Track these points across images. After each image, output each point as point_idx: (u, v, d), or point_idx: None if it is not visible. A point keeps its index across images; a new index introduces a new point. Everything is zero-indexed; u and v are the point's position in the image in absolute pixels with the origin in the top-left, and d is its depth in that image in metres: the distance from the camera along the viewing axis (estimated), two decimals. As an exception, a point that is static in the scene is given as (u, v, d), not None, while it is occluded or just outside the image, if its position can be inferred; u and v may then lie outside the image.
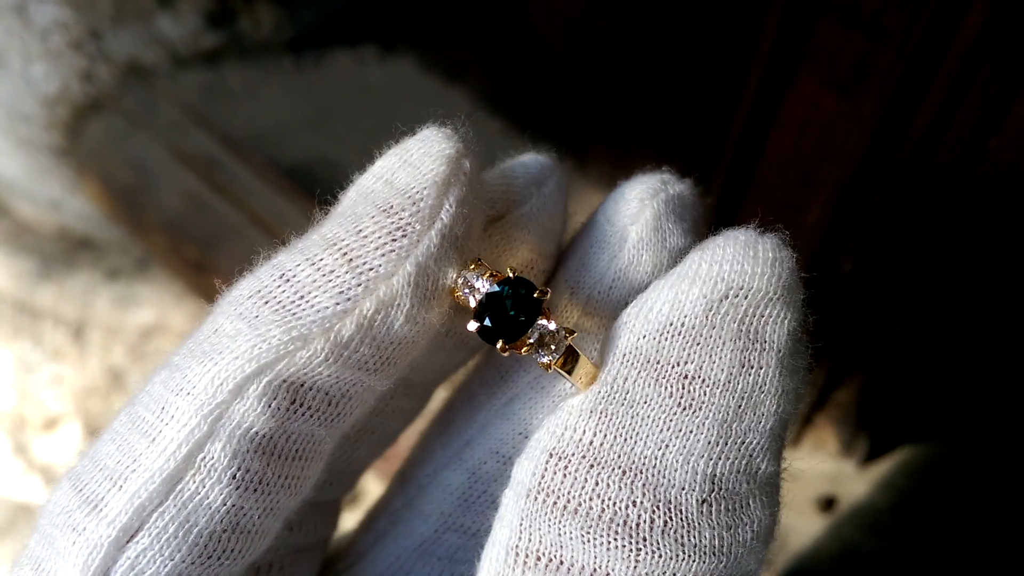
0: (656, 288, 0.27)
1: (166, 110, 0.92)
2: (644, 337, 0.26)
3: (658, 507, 0.25)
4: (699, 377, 0.25)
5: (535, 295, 0.27)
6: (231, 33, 0.95)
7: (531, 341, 0.27)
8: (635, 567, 0.24)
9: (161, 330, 1.00)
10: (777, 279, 0.26)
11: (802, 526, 0.70)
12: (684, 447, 0.25)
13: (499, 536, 0.26)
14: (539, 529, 0.25)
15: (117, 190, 0.92)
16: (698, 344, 0.25)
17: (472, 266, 0.27)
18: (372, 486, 0.79)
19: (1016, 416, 0.67)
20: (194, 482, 0.25)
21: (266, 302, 0.26)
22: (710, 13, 0.60)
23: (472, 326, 0.27)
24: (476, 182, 0.28)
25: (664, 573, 0.24)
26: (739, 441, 0.25)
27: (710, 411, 0.25)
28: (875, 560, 0.68)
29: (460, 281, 0.27)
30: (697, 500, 0.25)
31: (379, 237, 0.26)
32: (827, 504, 0.71)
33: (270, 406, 0.25)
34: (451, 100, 0.89)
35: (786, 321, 0.26)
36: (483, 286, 0.27)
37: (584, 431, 0.26)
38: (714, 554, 0.25)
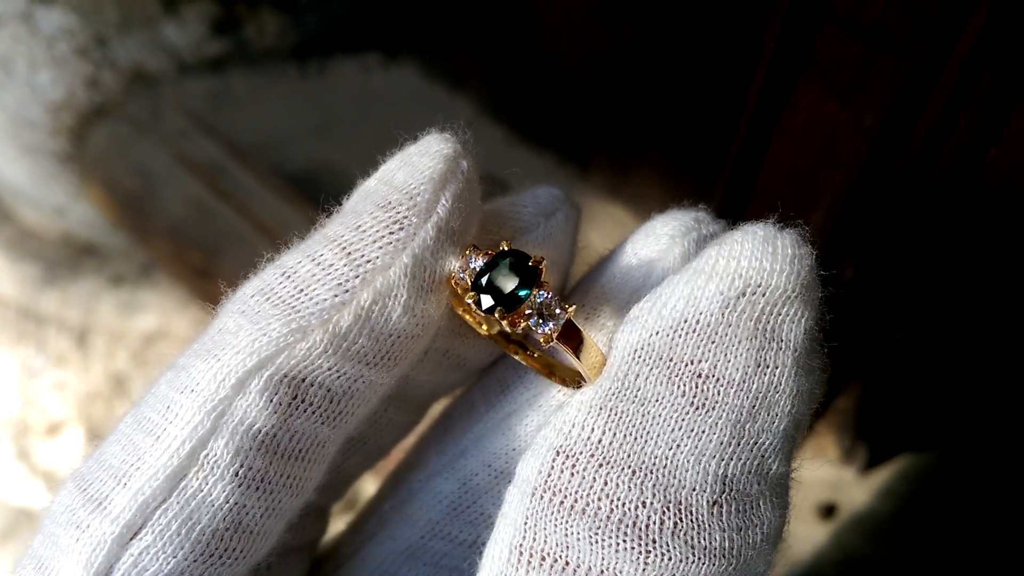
0: (671, 283, 0.26)
1: (171, 117, 0.93)
2: (657, 333, 0.25)
3: (668, 508, 0.24)
4: (713, 376, 0.25)
5: (530, 263, 0.27)
6: (236, 41, 0.95)
7: (528, 311, 0.27)
8: (644, 569, 0.24)
9: (164, 336, 1.00)
10: (796, 276, 0.25)
11: (803, 533, 0.70)
12: (696, 447, 0.24)
13: (502, 534, 0.26)
14: (544, 528, 0.25)
15: (122, 196, 0.92)
16: (713, 342, 0.25)
17: (467, 251, 0.28)
18: (370, 488, 0.79)
19: (1017, 423, 0.67)
20: (197, 479, 0.25)
21: (268, 298, 0.26)
22: (712, 21, 0.60)
23: (469, 298, 0.27)
24: (473, 181, 0.28)
25: (674, 575, 0.24)
26: (752, 442, 0.25)
27: (723, 411, 0.25)
28: (876, 568, 0.68)
29: (457, 266, 0.28)
30: (708, 501, 0.24)
31: (377, 231, 0.26)
32: (828, 511, 0.71)
33: (272, 401, 0.25)
34: (455, 107, 0.89)
35: (803, 320, 0.25)
36: (479, 263, 0.27)
37: (593, 429, 0.25)
38: (724, 556, 0.24)
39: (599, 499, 0.24)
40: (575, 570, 0.24)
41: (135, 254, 1.04)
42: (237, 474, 0.25)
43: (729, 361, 0.25)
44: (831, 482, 0.71)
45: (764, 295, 0.25)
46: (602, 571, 0.24)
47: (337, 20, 0.98)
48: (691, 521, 0.24)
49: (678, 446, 0.24)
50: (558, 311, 0.27)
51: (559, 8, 0.73)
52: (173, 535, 0.25)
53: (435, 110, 0.89)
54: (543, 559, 0.25)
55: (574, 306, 0.27)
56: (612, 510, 0.24)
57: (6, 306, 1.03)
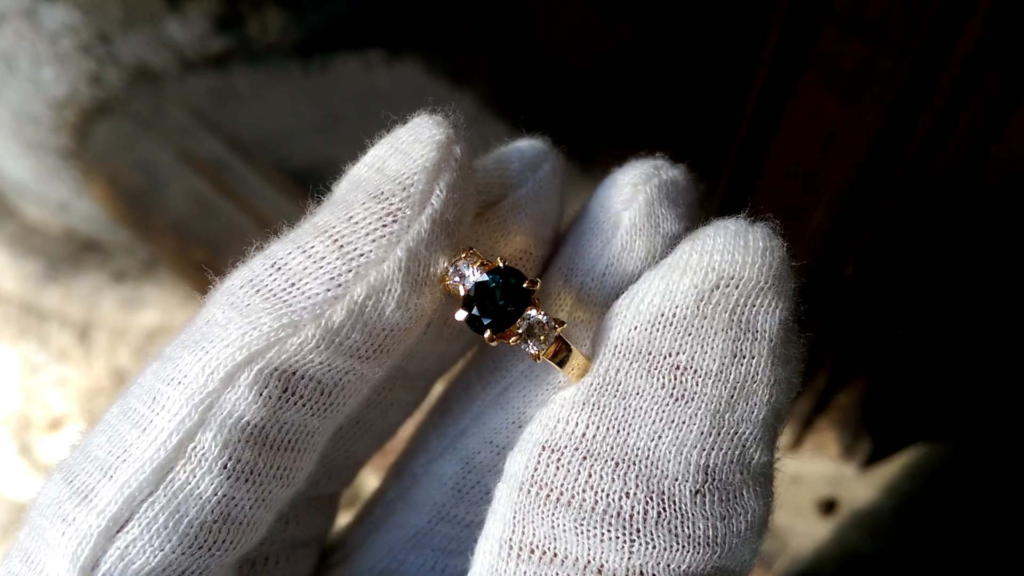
0: (647, 279, 0.27)
1: (174, 113, 0.93)
2: (635, 328, 0.26)
3: (651, 498, 0.24)
4: (691, 368, 0.25)
5: (524, 285, 0.27)
6: (239, 37, 0.95)
7: (520, 331, 0.27)
8: (629, 558, 0.24)
9: (167, 332, 1.00)
10: (768, 268, 0.26)
11: (803, 529, 0.70)
12: (677, 438, 0.25)
13: (492, 529, 0.26)
14: (532, 522, 0.25)
15: (125, 193, 0.92)
16: (690, 335, 0.25)
17: (463, 255, 0.27)
18: (372, 483, 0.79)
19: (1018, 419, 0.67)
20: (184, 472, 0.25)
21: (257, 291, 0.26)
22: (714, 19, 0.60)
23: (461, 315, 0.27)
24: (467, 168, 0.28)
25: (658, 564, 0.24)
26: (732, 431, 0.25)
27: (702, 402, 0.25)
28: (876, 563, 0.68)
29: (451, 270, 0.27)
30: (691, 491, 0.25)
31: (369, 223, 0.26)
32: (828, 507, 0.71)
33: (261, 395, 0.25)
34: (457, 104, 0.89)
35: (777, 310, 0.26)
36: (473, 275, 0.27)
37: (576, 423, 0.26)
38: (708, 545, 0.25)
39: (584, 491, 0.25)
40: (563, 561, 0.24)
41: (138, 250, 1.04)
42: (225, 467, 0.25)
43: (706, 353, 0.25)
44: (832, 478, 0.72)
45: (738, 287, 0.25)
46: (588, 562, 0.24)
47: (340, 17, 0.99)
48: (674, 511, 0.24)
49: (660, 437, 0.25)
50: (548, 330, 0.27)
51: (562, 6, 0.73)
52: (160, 528, 0.25)
53: (437, 107, 0.89)
54: (532, 551, 0.25)
55: (564, 324, 0.27)
56: (597, 502, 0.25)
57: (8, 302, 1.03)
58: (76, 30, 0.87)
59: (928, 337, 0.62)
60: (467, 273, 0.27)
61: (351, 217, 0.26)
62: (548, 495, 0.25)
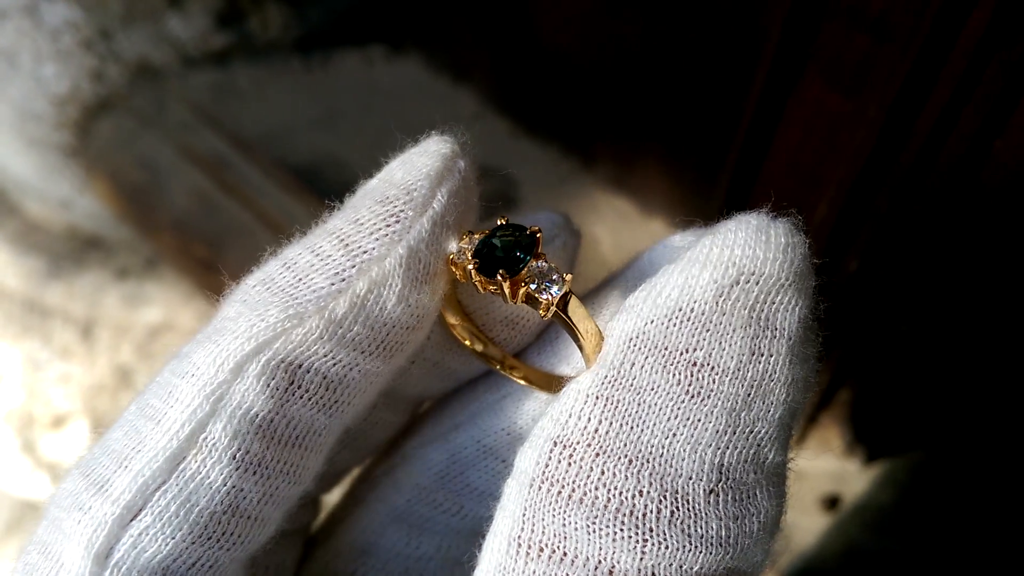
0: (665, 272, 0.26)
1: (175, 110, 0.93)
2: (652, 322, 0.26)
3: (665, 497, 0.24)
4: (708, 364, 0.25)
5: (528, 232, 0.28)
6: (240, 33, 0.95)
7: (529, 279, 0.27)
8: (641, 559, 0.24)
9: (169, 329, 1.00)
10: (789, 265, 0.25)
11: (806, 525, 0.70)
12: (692, 436, 0.24)
13: (501, 526, 0.26)
14: (542, 519, 0.25)
15: (127, 189, 0.92)
16: (708, 330, 0.25)
17: (465, 238, 0.29)
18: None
19: (1020, 415, 0.67)
20: (196, 461, 0.26)
21: (268, 288, 0.27)
22: (716, 13, 0.60)
23: (472, 265, 0.28)
24: (470, 180, 0.29)
25: (671, 565, 0.24)
26: (747, 430, 0.25)
27: (719, 399, 0.25)
28: (879, 559, 0.68)
29: (455, 248, 0.28)
30: (705, 490, 0.24)
31: (374, 224, 0.27)
32: (831, 503, 0.71)
33: (269, 386, 0.26)
34: (458, 100, 0.89)
35: (797, 308, 0.25)
36: (477, 239, 0.28)
37: (590, 418, 0.25)
38: (721, 545, 0.24)
39: (596, 488, 0.24)
40: (573, 560, 0.24)
41: (140, 247, 1.04)
42: (235, 457, 0.26)
43: (724, 349, 0.25)
44: (835, 474, 0.72)
45: (758, 283, 0.25)
46: (600, 561, 0.24)
47: (341, 13, 0.99)
48: (688, 510, 0.24)
49: (674, 435, 0.24)
50: (556, 277, 0.27)
51: (563, 1, 0.73)
52: (172, 516, 0.26)
53: (439, 103, 0.89)
54: (541, 550, 0.25)
55: (571, 275, 0.27)
56: (609, 499, 0.24)
57: (11, 299, 1.03)
58: (77, 26, 0.88)
59: (931, 333, 0.62)
60: (470, 245, 0.28)
61: (357, 219, 0.28)
62: (559, 492, 0.25)
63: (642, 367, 0.25)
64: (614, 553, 0.24)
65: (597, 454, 0.25)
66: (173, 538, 0.26)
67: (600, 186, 0.79)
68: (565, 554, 0.24)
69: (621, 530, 0.24)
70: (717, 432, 0.24)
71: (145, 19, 0.90)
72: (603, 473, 0.24)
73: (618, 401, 0.25)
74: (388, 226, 0.27)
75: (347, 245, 0.27)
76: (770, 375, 0.25)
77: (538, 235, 0.28)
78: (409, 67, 0.95)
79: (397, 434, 0.37)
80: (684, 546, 0.24)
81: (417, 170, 0.28)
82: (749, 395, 0.25)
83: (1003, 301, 0.58)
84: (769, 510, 0.25)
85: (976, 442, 0.71)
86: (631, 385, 0.25)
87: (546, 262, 0.27)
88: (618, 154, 0.77)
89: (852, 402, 0.68)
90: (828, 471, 0.72)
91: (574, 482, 0.25)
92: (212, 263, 0.85)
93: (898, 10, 0.46)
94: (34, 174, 1.00)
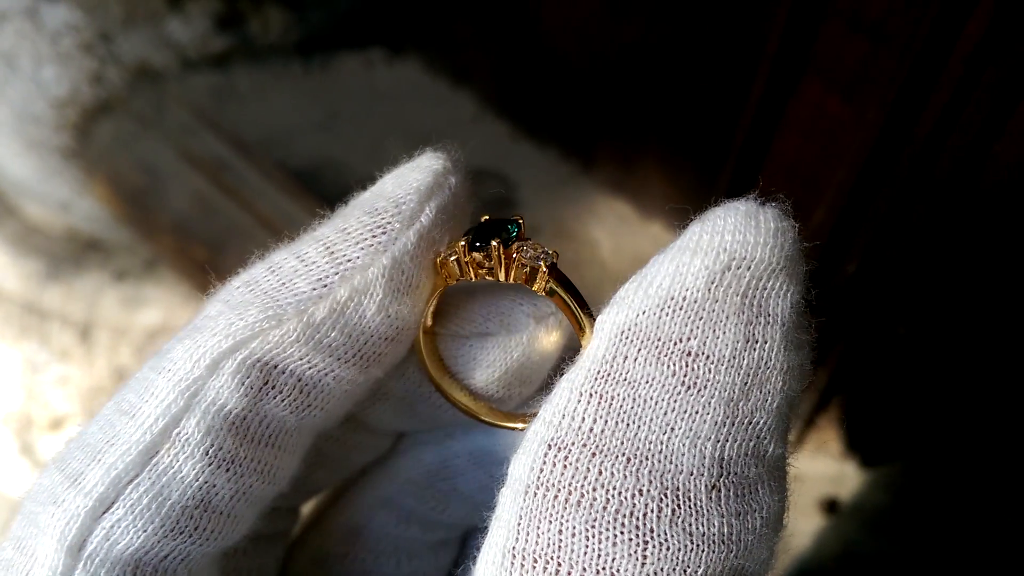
0: (655, 262, 0.26)
1: (175, 112, 0.93)
2: (644, 313, 0.25)
3: (666, 495, 0.23)
4: (703, 354, 0.24)
5: (512, 219, 0.28)
6: (240, 36, 0.95)
7: (519, 253, 0.28)
8: (642, 563, 0.23)
9: (168, 331, 1.00)
10: (780, 249, 0.25)
11: (805, 527, 0.70)
12: (690, 429, 0.24)
13: (495, 537, 0.25)
14: (538, 528, 0.24)
15: (126, 192, 0.92)
16: (701, 319, 0.24)
17: (452, 247, 0.29)
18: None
19: (1018, 417, 0.67)
20: (168, 455, 0.26)
21: (251, 289, 0.28)
22: (716, 17, 0.60)
23: (464, 242, 0.28)
24: (460, 196, 0.30)
25: (674, 568, 0.23)
26: (746, 421, 0.24)
27: (716, 390, 0.24)
28: (877, 561, 0.68)
29: (443, 252, 0.29)
30: (706, 486, 0.23)
31: (360, 234, 0.28)
32: (830, 506, 0.71)
33: (243, 384, 0.26)
34: (458, 103, 0.89)
35: (790, 293, 0.25)
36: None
37: (584, 417, 0.24)
38: (724, 543, 0.24)
39: (594, 490, 0.23)
40: (569, 572, 0.23)
41: (139, 249, 1.04)
42: (207, 453, 0.26)
43: (718, 338, 0.24)
44: (833, 477, 0.72)
45: (749, 268, 0.24)
46: (599, 570, 0.23)
47: (341, 16, 0.99)
48: (689, 507, 0.23)
49: (672, 429, 0.24)
50: (544, 255, 0.28)
51: (563, 4, 0.73)
52: (144, 509, 0.26)
53: (438, 106, 0.89)
54: (535, 562, 0.24)
55: (557, 252, 0.28)
56: (608, 500, 0.23)
57: (10, 301, 1.03)
58: (77, 29, 0.88)
59: (930, 335, 0.62)
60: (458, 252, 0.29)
61: (345, 228, 0.28)
62: (556, 497, 0.24)
63: (635, 360, 0.25)
64: (614, 560, 0.23)
65: (593, 454, 0.24)
66: (145, 531, 0.26)
67: (600, 189, 0.80)
68: (560, 566, 0.23)
69: (621, 533, 0.23)
70: (716, 424, 0.24)
71: (145, 22, 0.90)
72: (600, 473, 0.24)
73: (612, 397, 0.24)
74: (374, 237, 0.28)
75: (332, 253, 0.27)
76: (766, 362, 0.24)
77: (520, 220, 0.28)
78: (409, 70, 0.95)
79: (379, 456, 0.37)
80: (686, 546, 0.23)
81: (408, 184, 0.29)
82: (746, 384, 0.24)
83: (1002, 303, 0.58)
84: (771, 505, 0.25)
85: (974, 444, 0.71)
86: (625, 379, 0.24)
87: (534, 246, 0.28)
88: (618, 157, 0.77)
89: (851, 405, 0.68)
90: (826, 474, 0.72)
91: (570, 485, 0.24)
92: (211, 265, 0.85)
93: (897, 13, 0.46)
94: (33, 176, 1.00)
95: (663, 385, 0.24)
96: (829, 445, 0.72)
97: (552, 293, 0.28)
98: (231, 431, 0.26)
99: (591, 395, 0.25)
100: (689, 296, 0.24)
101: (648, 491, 0.23)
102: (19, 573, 0.26)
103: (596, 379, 0.25)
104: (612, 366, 0.25)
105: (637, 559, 0.23)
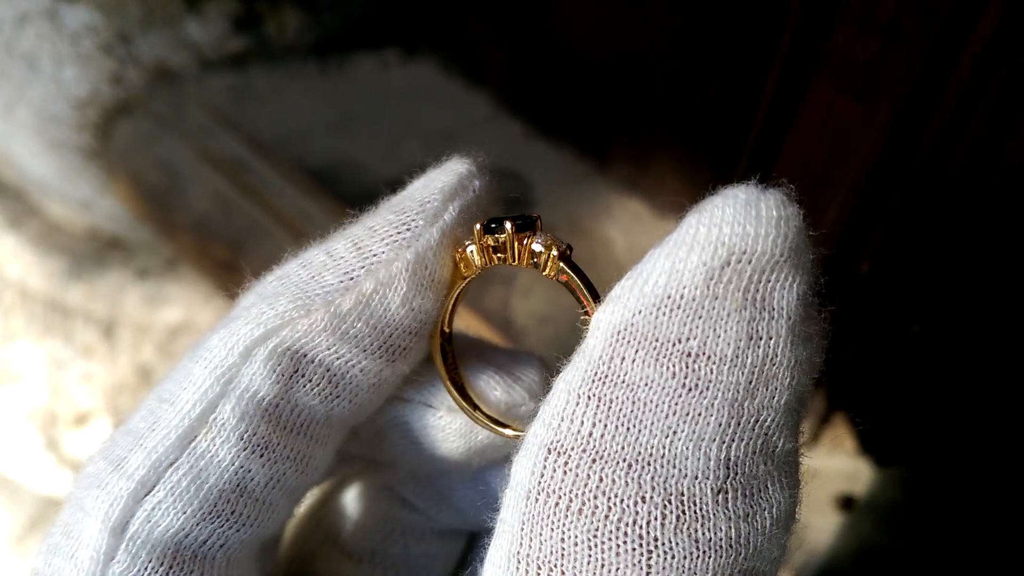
0: (651, 258, 0.24)
1: (194, 113, 0.94)
2: (640, 312, 0.24)
3: (670, 501, 0.23)
4: (704, 354, 0.23)
5: (531, 215, 0.29)
6: (257, 37, 0.96)
7: (532, 242, 0.28)
8: (647, 573, 0.22)
9: (189, 328, 1.01)
10: (783, 239, 0.23)
11: (820, 525, 0.70)
12: (694, 432, 0.23)
13: (501, 541, 0.25)
14: (541, 535, 0.23)
15: (146, 191, 0.93)
16: (700, 317, 0.23)
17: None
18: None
19: (1034, 416, 0.67)
20: (206, 440, 0.27)
21: (282, 282, 0.29)
22: (728, 18, 0.60)
23: (480, 225, 0.29)
24: (484, 199, 0.31)
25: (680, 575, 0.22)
26: (753, 420, 0.23)
27: (719, 390, 0.23)
28: (893, 558, 0.68)
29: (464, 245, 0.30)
30: (712, 489, 0.23)
31: (386, 230, 0.29)
32: (845, 503, 0.71)
33: (275, 371, 0.27)
34: (472, 102, 0.90)
35: (795, 285, 0.23)
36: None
37: (583, 421, 0.24)
38: (731, 547, 0.23)
39: (595, 497, 0.23)
40: None
41: (160, 248, 1.05)
42: (242, 438, 0.27)
43: (719, 336, 0.23)
44: (848, 474, 0.72)
45: (750, 262, 0.23)
46: None
47: (356, 17, 0.99)
48: (695, 513, 0.23)
49: (674, 433, 0.23)
50: (557, 242, 0.28)
51: (577, 3, 0.73)
52: (183, 492, 0.27)
53: (453, 105, 0.89)
54: (539, 569, 0.23)
55: (572, 249, 0.28)
56: (610, 508, 0.23)
57: (34, 299, 1.04)
58: (97, 30, 0.88)
59: (943, 333, 0.62)
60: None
61: (372, 226, 0.29)
62: (557, 503, 0.23)
63: (633, 361, 0.24)
64: (618, 570, 0.22)
65: (593, 460, 0.23)
66: (184, 513, 0.27)
67: (614, 188, 0.80)
68: (564, 574, 0.23)
69: (624, 543, 0.22)
70: (720, 425, 0.23)
71: (163, 23, 0.91)
72: (601, 481, 0.23)
73: (611, 400, 0.24)
74: (399, 233, 0.29)
75: (359, 248, 0.29)
76: (771, 359, 0.23)
77: (538, 217, 0.29)
78: (423, 70, 0.95)
79: None
80: (691, 553, 0.23)
81: (433, 186, 0.30)
82: (751, 383, 0.23)
83: (1015, 301, 0.58)
84: (782, 503, 0.24)
85: (990, 442, 0.71)
86: (623, 381, 0.24)
87: (548, 235, 0.28)
88: (632, 157, 0.77)
89: (866, 402, 0.68)
90: (842, 471, 0.72)
91: (571, 492, 0.23)
92: (231, 264, 0.86)
93: (908, 14, 0.46)
94: (55, 176, 1.01)
95: (663, 387, 0.23)
96: (844, 442, 0.72)
97: (563, 272, 0.28)
98: (264, 417, 0.28)
99: (589, 398, 0.24)
100: (687, 295, 0.23)
101: (651, 498, 0.23)
102: (65, 556, 0.27)
103: (593, 381, 0.24)
104: (609, 367, 0.24)
105: (641, 569, 0.22)
